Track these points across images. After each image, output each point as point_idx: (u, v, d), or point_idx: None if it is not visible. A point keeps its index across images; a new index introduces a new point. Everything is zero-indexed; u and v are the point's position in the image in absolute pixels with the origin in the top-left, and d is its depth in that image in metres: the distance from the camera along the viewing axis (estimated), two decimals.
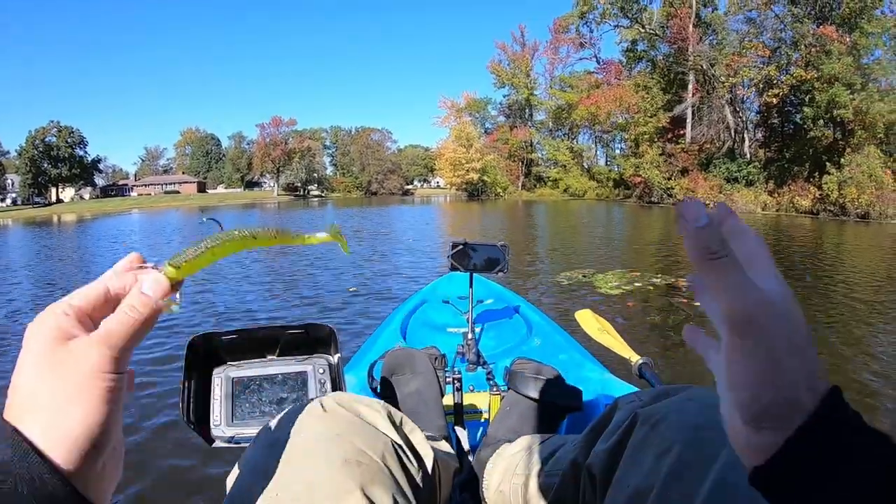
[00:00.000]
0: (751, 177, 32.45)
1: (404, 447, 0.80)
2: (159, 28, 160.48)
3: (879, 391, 3.61)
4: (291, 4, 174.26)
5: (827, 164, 26.59)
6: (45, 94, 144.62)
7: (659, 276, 7.46)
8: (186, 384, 1.07)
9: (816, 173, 27.99)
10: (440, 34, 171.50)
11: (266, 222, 23.50)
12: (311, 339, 1.18)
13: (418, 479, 0.79)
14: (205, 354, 1.13)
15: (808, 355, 0.38)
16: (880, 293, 6.89)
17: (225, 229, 0.45)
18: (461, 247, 2.08)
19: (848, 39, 27.46)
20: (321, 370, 1.14)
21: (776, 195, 29.87)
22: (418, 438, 0.86)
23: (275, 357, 1.18)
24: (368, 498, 0.66)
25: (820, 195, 26.69)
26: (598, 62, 49.89)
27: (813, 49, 28.56)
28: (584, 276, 7.36)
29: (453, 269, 2.12)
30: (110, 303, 0.43)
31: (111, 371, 0.39)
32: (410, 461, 0.79)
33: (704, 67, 36.12)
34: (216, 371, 1.13)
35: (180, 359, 1.07)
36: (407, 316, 2.56)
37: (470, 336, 1.98)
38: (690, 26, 36.85)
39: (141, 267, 0.46)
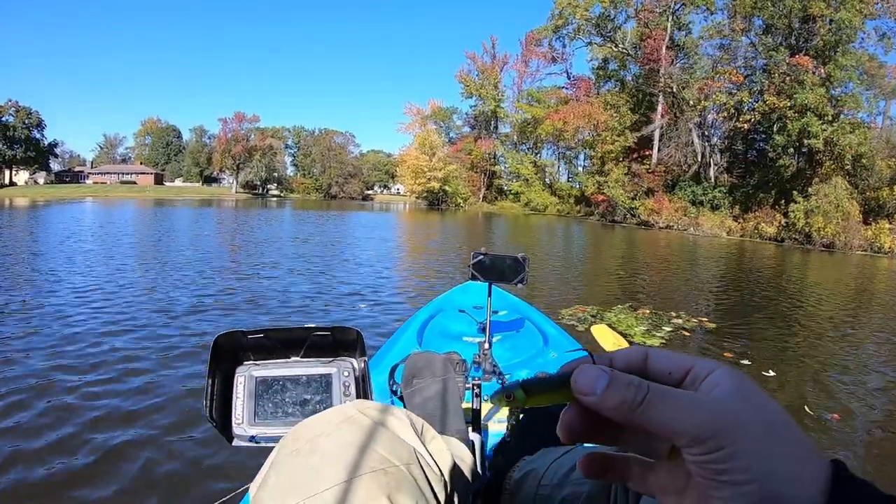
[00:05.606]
0: (716, 201, 32.41)
1: (426, 455, 0.81)
2: (128, 12, 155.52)
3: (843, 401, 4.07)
4: (261, 2, 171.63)
5: (793, 192, 26.47)
6: (3, 72, 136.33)
7: (676, 314, 6.79)
8: (210, 381, 1.07)
9: (782, 201, 27.97)
10: (410, 41, 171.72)
11: (223, 220, 22.60)
12: (337, 343, 1.17)
13: (439, 487, 0.80)
14: (229, 352, 1.13)
15: (792, 441, 0.33)
16: (842, 316, 7.35)
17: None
18: (482, 256, 2.07)
19: (823, 70, 27.54)
20: (346, 373, 1.15)
21: (741, 220, 29.87)
22: (438, 447, 0.86)
23: (299, 358, 1.17)
24: None
25: (786, 223, 26.63)
26: (568, 77, 49.87)
27: (787, 78, 28.57)
28: (594, 317, 6.51)
29: (473, 278, 2.08)
30: None
31: None
32: (432, 469, 0.80)
33: (674, 90, 36.02)
34: (240, 369, 1.13)
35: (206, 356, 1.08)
36: (423, 324, 2.60)
37: (486, 346, 1.97)
38: (664, 48, 36.88)
39: None
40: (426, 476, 0.77)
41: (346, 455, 0.71)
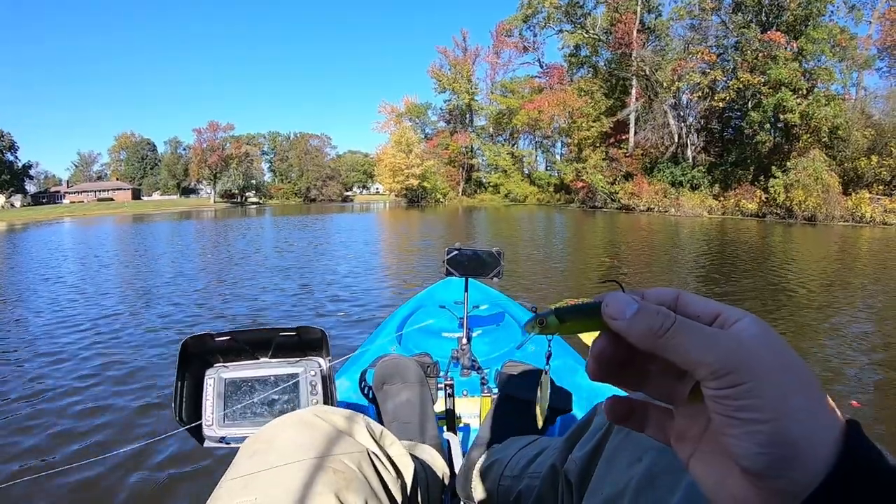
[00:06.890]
0: (695, 181, 32.38)
1: (382, 458, 0.85)
2: (93, 28, 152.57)
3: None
4: (226, 7, 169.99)
5: (772, 167, 26.46)
6: None
7: None
8: (179, 384, 1.10)
9: (762, 177, 28.01)
10: (380, 38, 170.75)
11: (203, 231, 22.18)
12: (303, 342, 1.19)
13: (395, 489, 0.83)
14: (198, 355, 1.15)
15: (810, 391, 0.33)
16: (827, 287, 7.52)
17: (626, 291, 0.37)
18: (456, 252, 2.07)
19: (795, 45, 27.56)
20: (312, 373, 1.16)
21: (722, 199, 29.87)
22: (397, 451, 0.90)
23: (267, 359, 1.19)
24: (342, 502, 0.71)
25: (766, 198, 26.63)
26: (541, 66, 49.68)
27: (759, 54, 28.56)
28: None
29: (448, 274, 2.09)
30: None
31: None
32: (388, 471, 0.84)
33: (648, 72, 35.92)
34: (209, 372, 1.14)
35: (175, 359, 1.09)
36: (402, 321, 2.58)
37: (464, 341, 2.00)
38: (634, 31, 36.81)
39: None
40: (380, 477, 0.81)
41: (298, 454, 0.74)
